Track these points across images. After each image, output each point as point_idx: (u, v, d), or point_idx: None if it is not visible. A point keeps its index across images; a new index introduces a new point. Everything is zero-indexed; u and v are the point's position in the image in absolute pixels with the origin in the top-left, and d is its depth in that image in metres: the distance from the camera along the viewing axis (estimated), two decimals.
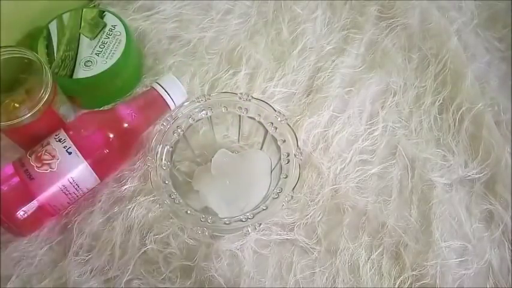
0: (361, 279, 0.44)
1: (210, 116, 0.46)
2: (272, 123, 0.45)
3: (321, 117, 0.51)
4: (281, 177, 0.43)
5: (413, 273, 0.44)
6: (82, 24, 0.51)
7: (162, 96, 0.47)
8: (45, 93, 0.42)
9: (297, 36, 0.57)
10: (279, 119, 0.45)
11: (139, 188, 0.47)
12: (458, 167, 0.49)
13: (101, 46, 0.50)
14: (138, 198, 0.46)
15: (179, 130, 0.45)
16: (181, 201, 0.41)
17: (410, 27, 0.58)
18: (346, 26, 0.58)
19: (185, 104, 0.45)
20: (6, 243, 0.44)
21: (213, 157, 0.46)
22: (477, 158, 0.50)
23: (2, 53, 0.43)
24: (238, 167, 0.45)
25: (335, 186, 0.48)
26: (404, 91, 0.54)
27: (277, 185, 0.42)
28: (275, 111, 0.45)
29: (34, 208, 0.41)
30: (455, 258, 0.44)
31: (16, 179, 0.42)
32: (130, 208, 0.46)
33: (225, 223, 0.40)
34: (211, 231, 0.42)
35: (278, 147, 0.44)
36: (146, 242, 0.44)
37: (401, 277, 0.44)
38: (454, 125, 0.52)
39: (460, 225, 0.46)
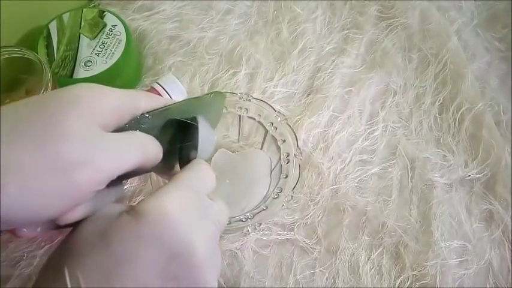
0: (361, 279, 0.43)
1: None
2: (272, 123, 0.45)
3: (321, 117, 0.51)
4: (281, 177, 0.43)
5: (413, 273, 0.44)
6: (82, 24, 0.51)
7: (162, 97, 0.47)
8: (45, 93, 0.42)
9: (297, 36, 0.57)
10: (279, 119, 0.45)
11: (139, 188, 0.47)
12: (458, 167, 0.49)
13: (101, 46, 0.50)
14: (138, 198, 0.46)
15: None
16: None
17: (410, 27, 0.58)
18: (346, 26, 0.58)
19: None
20: (6, 243, 0.44)
21: (212, 157, 0.46)
22: (477, 158, 0.50)
23: (2, 53, 0.43)
24: (238, 166, 0.45)
25: (335, 186, 0.48)
26: (404, 91, 0.54)
27: (277, 185, 0.42)
28: (275, 111, 0.45)
29: None
30: (455, 258, 0.44)
31: None
32: None
33: None
34: None
35: (278, 147, 0.44)
36: None
37: (401, 277, 0.44)
38: (454, 125, 0.52)
39: (460, 225, 0.46)
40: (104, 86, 0.27)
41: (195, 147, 0.32)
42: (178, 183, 0.28)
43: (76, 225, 0.26)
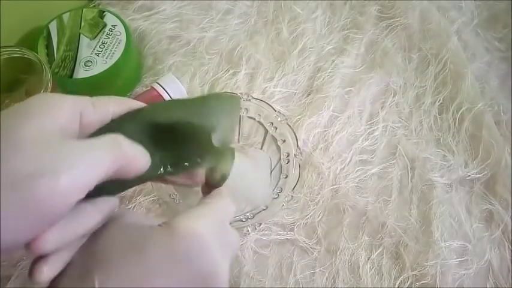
0: (361, 279, 0.44)
1: None
2: (272, 123, 0.45)
3: (321, 117, 0.51)
4: (281, 177, 0.43)
5: (413, 273, 0.44)
6: (82, 24, 0.51)
7: (162, 96, 0.47)
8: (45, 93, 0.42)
9: (297, 36, 0.57)
10: (279, 119, 0.45)
11: (139, 188, 0.47)
12: (458, 167, 0.49)
13: (101, 46, 0.50)
14: (138, 198, 0.46)
15: None
16: (181, 201, 0.41)
17: (410, 27, 0.58)
18: (346, 26, 0.59)
19: None
20: None
21: None
22: (477, 158, 0.50)
23: (2, 53, 0.43)
24: (236, 164, 0.45)
25: (335, 186, 0.48)
26: (404, 91, 0.54)
27: (277, 185, 0.42)
28: (275, 111, 0.45)
29: None
30: (455, 258, 0.44)
31: None
32: (130, 208, 0.45)
33: None
34: None
35: (278, 147, 0.44)
36: None
37: (401, 277, 0.44)
38: (454, 125, 0.52)
39: (460, 225, 0.46)
40: (62, 94, 0.25)
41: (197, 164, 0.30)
42: (211, 208, 0.28)
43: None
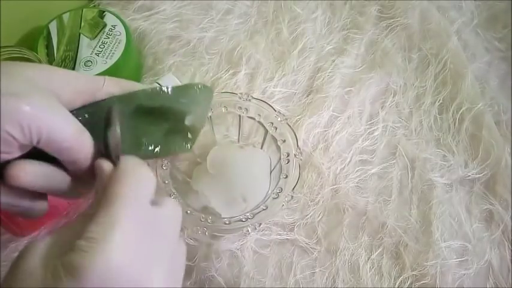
0: (361, 279, 0.44)
1: (210, 116, 0.46)
2: (272, 123, 0.45)
3: (321, 117, 0.51)
4: (281, 177, 0.43)
5: (413, 273, 0.44)
6: (82, 24, 0.51)
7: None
8: None
9: (297, 36, 0.57)
10: (279, 119, 0.45)
11: None
12: (458, 167, 0.49)
13: (101, 46, 0.50)
14: None
15: None
16: (181, 201, 0.41)
17: (410, 27, 0.58)
18: (346, 26, 0.59)
19: None
20: (6, 243, 0.44)
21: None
22: (477, 158, 0.50)
23: (2, 53, 0.43)
24: (237, 165, 0.45)
25: (335, 186, 0.48)
26: (404, 91, 0.54)
27: (277, 185, 0.42)
28: (275, 111, 0.45)
29: None
30: (455, 258, 0.44)
31: None
32: None
33: (225, 223, 0.40)
34: (211, 231, 0.42)
35: (278, 147, 0.44)
36: None
37: (401, 277, 0.44)
38: (454, 125, 0.52)
39: (460, 225, 0.46)
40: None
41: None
42: (117, 215, 0.23)
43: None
